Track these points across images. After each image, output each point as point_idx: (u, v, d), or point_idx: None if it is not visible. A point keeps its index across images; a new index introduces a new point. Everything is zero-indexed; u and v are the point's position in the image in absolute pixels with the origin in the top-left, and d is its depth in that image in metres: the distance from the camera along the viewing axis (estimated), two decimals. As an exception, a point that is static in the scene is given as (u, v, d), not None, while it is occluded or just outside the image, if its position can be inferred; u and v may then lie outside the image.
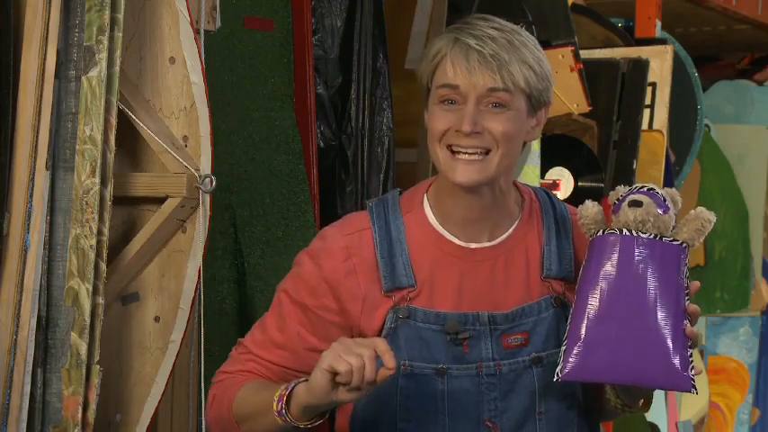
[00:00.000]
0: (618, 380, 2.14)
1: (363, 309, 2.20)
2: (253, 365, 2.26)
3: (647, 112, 4.53)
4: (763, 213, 5.95)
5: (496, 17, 2.21)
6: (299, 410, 2.10)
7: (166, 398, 2.69)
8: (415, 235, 2.22)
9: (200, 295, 2.65)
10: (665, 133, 4.57)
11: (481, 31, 2.15)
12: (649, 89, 4.52)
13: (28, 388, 2.48)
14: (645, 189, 2.18)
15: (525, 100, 2.17)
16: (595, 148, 4.26)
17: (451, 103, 2.15)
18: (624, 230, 2.15)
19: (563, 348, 2.14)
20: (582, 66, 4.04)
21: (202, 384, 2.67)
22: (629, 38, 4.75)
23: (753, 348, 6.00)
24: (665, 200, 2.17)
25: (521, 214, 2.25)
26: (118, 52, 2.52)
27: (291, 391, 2.11)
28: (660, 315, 2.12)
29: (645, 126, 4.49)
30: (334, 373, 2.02)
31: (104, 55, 2.51)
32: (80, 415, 2.49)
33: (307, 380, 2.08)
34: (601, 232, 2.17)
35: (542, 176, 3.94)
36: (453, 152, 2.15)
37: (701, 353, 5.74)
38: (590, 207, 2.20)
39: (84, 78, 2.52)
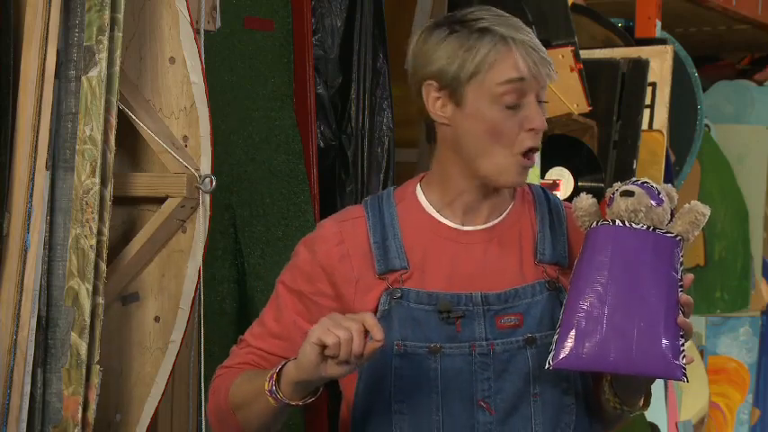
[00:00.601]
0: (609, 368, 2.15)
1: (357, 291, 2.21)
2: (251, 357, 2.28)
3: (647, 112, 4.53)
4: (763, 213, 5.95)
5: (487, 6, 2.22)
6: (289, 387, 2.11)
7: (166, 398, 2.69)
8: (408, 220, 2.24)
9: (200, 295, 2.65)
10: (665, 133, 4.57)
11: (514, 23, 2.16)
12: (649, 89, 4.52)
13: (28, 388, 2.48)
14: (639, 182, 2.20)
15: None
16: (595, 148, 4.26)
17: (511, 101, 2.15)
18: (617, 221, 2.16)
19: (555, 337, 2.15)
20: (582, 66, 4.04)
21: (202, 384, 2.67)
22: (629, 38, 4.75)
23: (753, 348, 6.00)
24: (659, 193, 2.18)
25: (514, 200, 2.27)
26: (118, 52, 2.52)
27: (281, 369, 2.12)
28: (652, 305, 2.13)
29: (645, 126, 4.49)
30: (323, 347, 2.03)
31: (104, 55, 2.51)
32: (80, 415, 2.49)
33: (296, 358, 2.09)
34: (595, 224, 2.18)
35: (542, 176, 3.94)
36: (525, 156, 2.17)
37: (701, 353, 5.75)
38: (584, 199, 2.21)
39: (84, 78, 2.52)
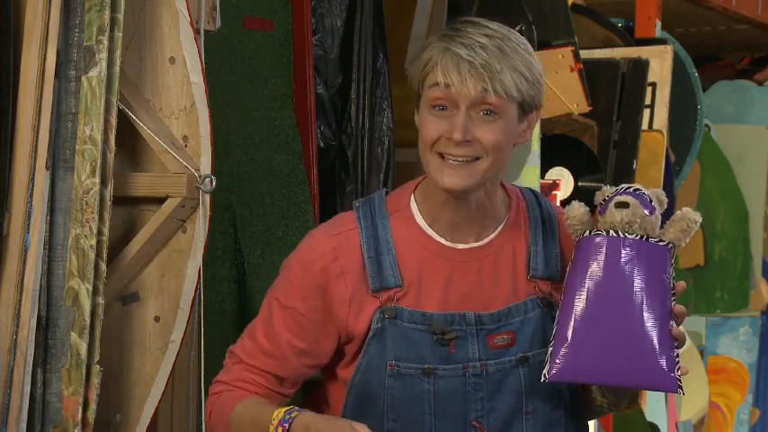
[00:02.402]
0: (604, 381, 2.15)
1: (350, 310, 2.21)
2: (246, 375, 2.29)
3: (647, 112, 4.54)
4: (763, 213, 5.95)
5: (487, 20, 2.21)
6: None
7: (166, 398, 2.69)
8: (401, 235, 2.23)
9: (200, 295, 2.65)
10: (665, 133, 4.57)
11: (471, 39, 2.15)
12: (649, 89, 4.52)
13: (28, 388, 2.48)
14: (631, 190, 2.17)
15: (516, 107, 2.17)
16: (595, 148, 4.26)
17: (443, 109, 2.16)
18: (611, 231, 2.15)
19: (550, 350, 2.14)
20: (582, 66, 4.04)
21: (202, 384, 2.67)
22: (629, 38, 4.75)
23: (753, 348, 6.00)
24: (651, 201, 2.17)
25: (507, 214, 2.26)
26: (118, 52, 2.52)
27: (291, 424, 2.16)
28: (646, 316, 2.12)
29: (645, 126, 4.49)
30: None
31: (104, 55, 2.51)
32: (80, 415, 2.49)
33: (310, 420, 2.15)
34: (587, 233, 2.17)
35: (542, 176, 3.94)
36: (443, 158, 2.16)
37: (701, 353, 5.75)
38: (577, 208, 2.20)
39: (84, 78, 2.52)
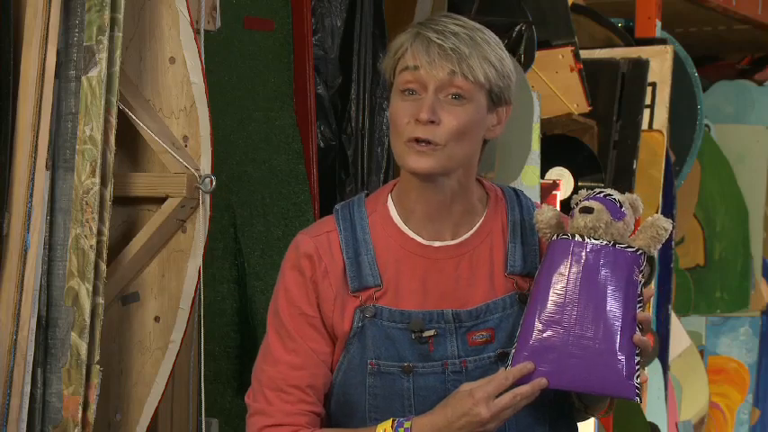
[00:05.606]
0: (564, 385, 2.15)
1: (335, 309, 2.21)
2: (288, 407, 2.21)
3: (647, 112, 4.54)
4: (763, 213, 5.96)
5: (464, 16, 2.23)
6: None
7: (166, 398, 2.69)
8: (379, 234, 2.23)
9: (200, 295, 2.65)
10: (665, 133, 4.58)
11: (443, 26, 2.18)
12: (649, 89, 4.53)
13: (28, 388, 2.48)
14: (601, 195, 2.17)
15: (485, 95, 2.18)
16: (595, 148, 4.27)
17: (412, 93, 2.17)
18: (576, 236, 2.15)
19: (512, 351, 2.15)
20: (582, 66, 4.05)
21: (202, 384, 2.67)
22: (629, 38, 4.76)
23: (753, 348, 6.01)
24: (621, 206, 2.16)
25: (485, 211, 2.26)
26: (118, 52, 2.52)
27: None
28: (608, 322, 2.12)
29: (645, 126, 4.50)
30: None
31: (104, 55, 2.51)
32: (80, 415, 2.49)
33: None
34: (555, 237, 2.17)
35: (542, 176, 3.94)
36: (410, 142, 2.17)
37: (701, 353, 5.75)
38: (545, 212, 2.20)
39: (84, 78, 2.52)
